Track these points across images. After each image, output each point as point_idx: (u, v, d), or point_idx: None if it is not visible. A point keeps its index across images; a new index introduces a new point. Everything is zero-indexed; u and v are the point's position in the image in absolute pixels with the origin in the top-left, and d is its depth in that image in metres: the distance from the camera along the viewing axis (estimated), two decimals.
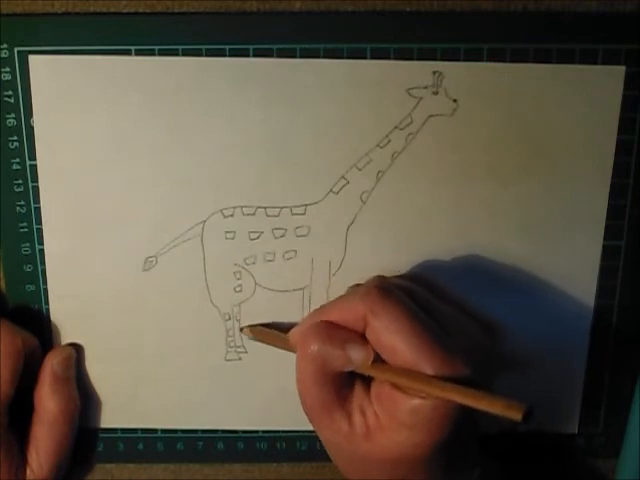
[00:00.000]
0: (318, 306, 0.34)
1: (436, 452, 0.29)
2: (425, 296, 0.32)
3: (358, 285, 0.34)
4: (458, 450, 0.31)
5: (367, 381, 0.31)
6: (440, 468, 0.31)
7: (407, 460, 0.30)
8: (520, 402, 0.27)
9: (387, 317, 0.29)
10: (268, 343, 0.35)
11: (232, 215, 0.35)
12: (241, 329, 0.36)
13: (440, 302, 0.32)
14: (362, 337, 0.31)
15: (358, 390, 0.31)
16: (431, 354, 0.28)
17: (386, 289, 0.30)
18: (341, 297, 0.33)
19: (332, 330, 0.31)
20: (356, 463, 0.31)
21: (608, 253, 0.35)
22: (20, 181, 0.34)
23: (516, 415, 0.26)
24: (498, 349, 0.36)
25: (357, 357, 0.30)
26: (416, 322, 0.29)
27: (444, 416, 0.29)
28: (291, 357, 0.36)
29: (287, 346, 0.33)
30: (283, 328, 0.35)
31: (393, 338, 0.29)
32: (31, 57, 0.33)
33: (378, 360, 0.30)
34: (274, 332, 0.35)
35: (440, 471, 0.31)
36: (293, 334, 0.33)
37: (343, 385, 0.31)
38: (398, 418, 0.29)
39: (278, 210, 0.35)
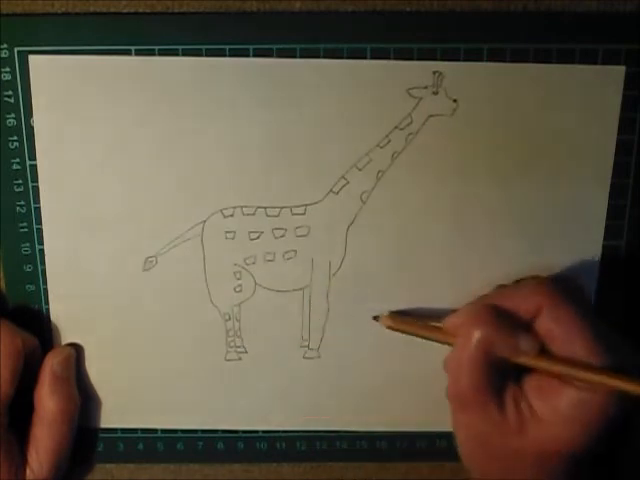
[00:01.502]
0: (318, 306, 0.34)
1: (585, 451, 0.30)
2: (580, 291, 0.32)
3: (519, 280, 0.34)
4: (597, 455, 0.31)
5: (518, 374, 0.32)
6: (580, 473, 0.31)
7: (555, 457, 0.30)
8: None
9: (566, 309, 0.30)
10: (410, 333, 0.34)
11: (232, 215, 0.35)
12: (375, 318, 0.35)
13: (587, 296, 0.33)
14: (530, 327, 0.31)
15: (511, 382, 0.31)
16: (600, 348, 0.29)
17: (558, 283, 0.31)
18: (511, 287, 0.33)
19: (503, 317, 0.31)
20: (497, 457, 0.31)
21: (608, 253, 0.35)
22: (20, 181, 0.34)
23: None
24: None
25: (526, 347, 0.30)
26: (587, 316, 0.30)
27: (606, 412, 0.29)
28: (290, 357, 0.36)
29: (436, 335, 0.33)
30: (423, 317, 0.34)
31: (568, 330, 0.30)
32: (31, 57, 0.33)
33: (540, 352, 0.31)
34: (418, 321, 0.34)
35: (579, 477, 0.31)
36: (451, 322, 0.32)
37: (498, 375, 0.31)
38: (561, 411, 0.30)
39: (278, 210, 0.35)
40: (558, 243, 0.35)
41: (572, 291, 0.31)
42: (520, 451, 0.31)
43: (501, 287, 0.34)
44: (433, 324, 0.33)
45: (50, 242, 0.35)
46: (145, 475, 0.39)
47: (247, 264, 0.35)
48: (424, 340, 0.33)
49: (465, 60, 0.33)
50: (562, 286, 0.31)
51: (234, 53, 0.33)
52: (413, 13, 0.33)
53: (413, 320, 0.34)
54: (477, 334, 0.31)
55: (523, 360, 0.31)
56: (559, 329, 0.30)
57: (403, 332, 0.34)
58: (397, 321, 0.34)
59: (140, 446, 0.38)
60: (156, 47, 0.33)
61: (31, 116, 0.34)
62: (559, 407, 0.30)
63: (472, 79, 0.33)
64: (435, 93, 0.33)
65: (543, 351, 0.31)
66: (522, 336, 0.31)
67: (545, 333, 0.30)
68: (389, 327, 0.34)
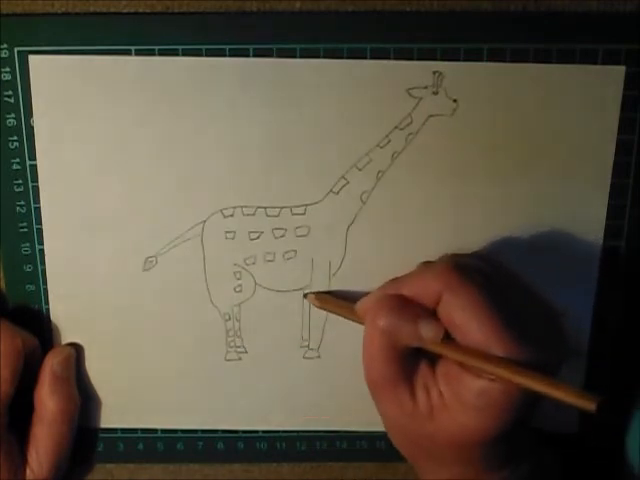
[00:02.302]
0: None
1: (497, 437, 0.29)
2: (499, 278, 0.31)
3: (427, 262, 0.34)
4: (515, 438, 0.31)
5: (432, 359, 0.31)
6: (498, 455, 0.31)
7: (468, 442, 0.30)
8: (592, 393, 0.27)
9: (464, 296, 0.29)
10: (333, 312, 0.35)
11: (232, 215, 0.35)
12: (305, 295, 0.35)
13: (512, 284, 0.32)
14: (433, 314, 0.30)
15: (423, 367, 0.31)
16: (504, 337, 0.28)
17: (463, 268, 0.30)
18: (414, 272, 0.33)
19: (404, 304, 0.31)
20: (416, 442, 0.31)
21: (608, 253, 0.35)
22: (20, 181, 0.34)
23: (590, 406, 0.26)
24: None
25: (428, 333, 0.30)
26: (491, 304, 0.29)
27: (512, 400, 0.28)
28: (290, 357, 0.36)
29: (354, 316, 0.33)
30: (350, 297, 0.34)
31: (467, 317, 0.29)
32: (31, 57, 0.33)
33: (447, 338, 0.30)
34: (341, 301, 0.35)
35: (497, 458, 0.31)
36: (362, 305, 0.33)
37: (408, 361, 0.31)
38: (465, 399, 0.29)
39: (278, 210, 0.35)
40: (558, 243, 0.35)
41: (475, 278, 0.30)
42: (434, 437, 0.30)
43: (411, 272, 0.33)
44: (353, 306, 0.33)
45: (50, 242, 0.35)
46: (145, 475, 0.39)
47: (247, 264, 0.35)
48: None
49: (465, 60, 0.33)
50: (464, 271, 0.30)
51: (234, 53, 0.33)
52: (413, 13, 0.33)
53: (337, 300, 0.35)
54: (379, 323, 0.30)
55: (428, 347, 0.30)
56: (458, 317, 0.29)
57: (328, 311, 0.35)
58: (322, 300, 0.35)
59: (140, 446, 0.38)
60: (156, 47, 0.33)
61: (31, 116, 0.34)
62: (463, 395, 0.29)
63: (472, 79, 0.33)
64: (435, 93, 0.33)
65: (450, 338, 0.30)
66: (423, 323, 0.30)
67: (446, 321, 0.30)
68: (315, 305, 0.35)
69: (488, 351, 0.28)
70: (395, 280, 0.32)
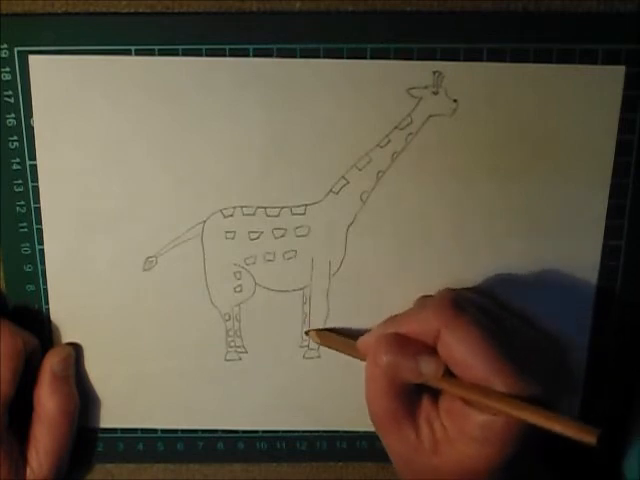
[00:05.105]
0: (318, 306, 0.35)
1: (503, 467, 0.30)
2: (496, 311, 0.32)
3: (426, 297, 0.34)
4: (522, 467, 0.31)
5: (434, 394, 0.32)
6: None
7: (474, 474, 0.30)
8: (592, 426, 0.27)
9: (461, 332, 0.30)
10: (335, 349, 0.35)
11: (232, 215, 0.35)
12: (306, 332, 0.36)
13: (509, 317, 0.32)
14: (433, 350, 0.31)
15: (425, 402, 0.32)
16: (504, 372, 0.29)
17: (460, 304, 0.31)
18: (413, 309, 0.33)
19: (404, 342, 0.31)
20: (423, 475, 0.32)
21: (608, 253, 0.35)
22: (20, 181, 0.34)
23: (590, 439, 0.27)
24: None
25: (428, 370, 0.30)
26: (489, 339, 0.29)
27: (514, 433, 0.29)
28: (290, 357, 0.36)
29: (355, 353, 0.34)
30: (351, 334, 0.35)
31: (466, 354, 0.29)
32: (31, 57, 0.33)
33: (448, 374, 0.30)
34: (342, 338, 0.35)
35: None
36: (363, 343, 0.33)
37: (411, 397, 0.31)
38: (468, 432, 0.29)
39: (278, 210, 0.35)
40: (558, 243, 0.35)
41: (473, 313, 0.30)
42: (439, 469, 0.31)
43: (410, 309, 0.34)
44: (354, 343, 0.34)
45: (50, 242, 0.35)
46: (145, 475, 0.39)
47: (247, 264, 0.35)
48: None
49: (465, 60, 0.33)
50: (461, 307, 0.30)
51: (234, 53, 0.33)
52: (413, 13, 0.33)
53: (339, 337, 0.35)
54: (380, 361, 0.31)
55: (429, 383, 0.31)
56: (457, 353, 0.30)
57: (329, 347, 0.35)
58: (323, 337, 0.35)
59: (140, 446, 0.38)
60: (156, 47, 0.33)
61: (31, 116, 0.34)
62: (465, 428, 0.30)
63: (472, 79, 0.33)
64: (435, 93, 0.33)
65: (450, 374, 0.30)
66: (423, 360, 0.30)
67: (446, 357, 0.30)
68: (317, 342, 0.35)
69: (489, 385, 0.29)
70: (394, 318, 0.33)
